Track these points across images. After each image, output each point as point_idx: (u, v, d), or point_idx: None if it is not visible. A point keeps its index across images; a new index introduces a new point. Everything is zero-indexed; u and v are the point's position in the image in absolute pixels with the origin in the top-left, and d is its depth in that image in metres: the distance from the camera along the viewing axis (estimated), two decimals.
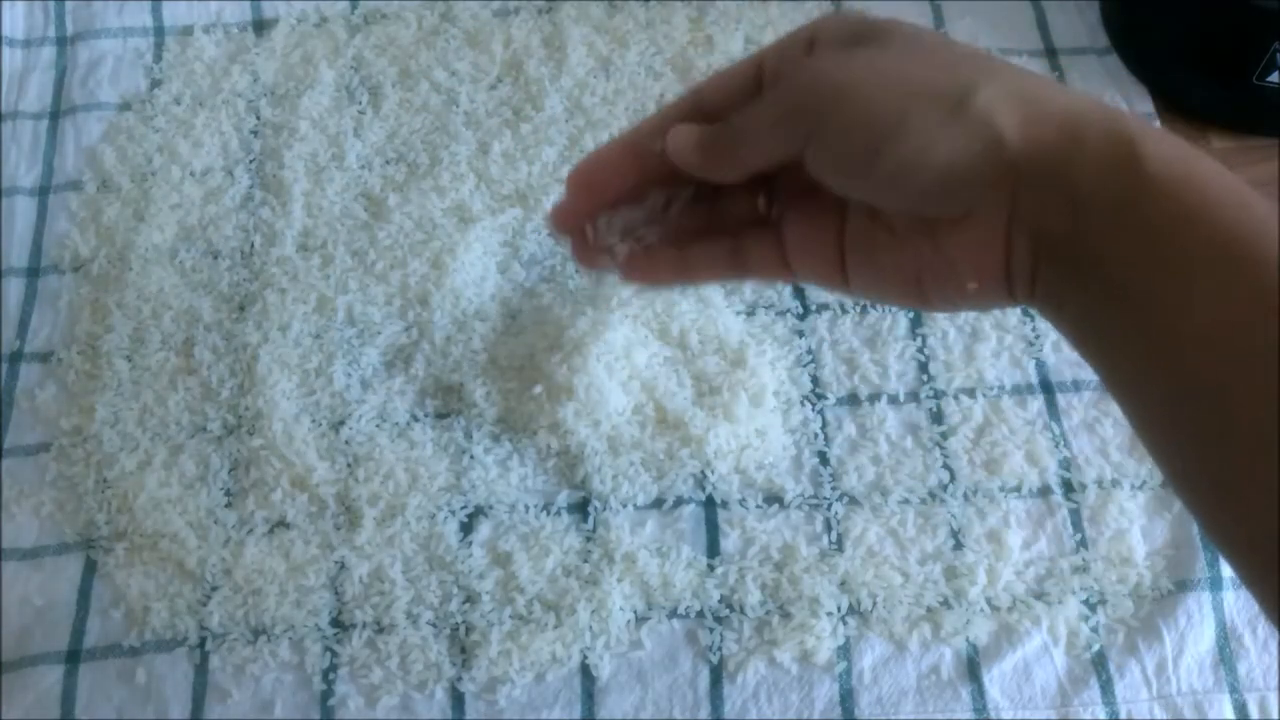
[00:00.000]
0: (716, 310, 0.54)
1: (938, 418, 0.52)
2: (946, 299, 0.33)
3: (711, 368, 0.52)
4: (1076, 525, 0.50)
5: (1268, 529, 0.26)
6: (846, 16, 0.34)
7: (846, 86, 0.30)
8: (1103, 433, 0.52)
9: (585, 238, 0.37)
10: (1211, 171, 0.28)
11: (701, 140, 0.34)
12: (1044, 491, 0.50)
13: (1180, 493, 0.30)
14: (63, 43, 0.66)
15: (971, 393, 0.53)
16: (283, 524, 0.50)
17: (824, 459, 0.51)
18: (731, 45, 0.64)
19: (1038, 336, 0.54)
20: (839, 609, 0.48)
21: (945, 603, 0.48)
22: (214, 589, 0.49)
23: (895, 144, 0.29)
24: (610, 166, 0.37)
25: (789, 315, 0.55)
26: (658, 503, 0.50)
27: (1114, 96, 0.62)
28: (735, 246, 0.37)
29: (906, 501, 0.50)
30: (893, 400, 0.53)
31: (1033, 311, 0.55)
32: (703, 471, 0.51)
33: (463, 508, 0.50)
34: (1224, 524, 0.28)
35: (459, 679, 0.47)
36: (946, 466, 0.51)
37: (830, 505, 0.50)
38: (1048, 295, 0.31)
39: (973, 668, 0.47)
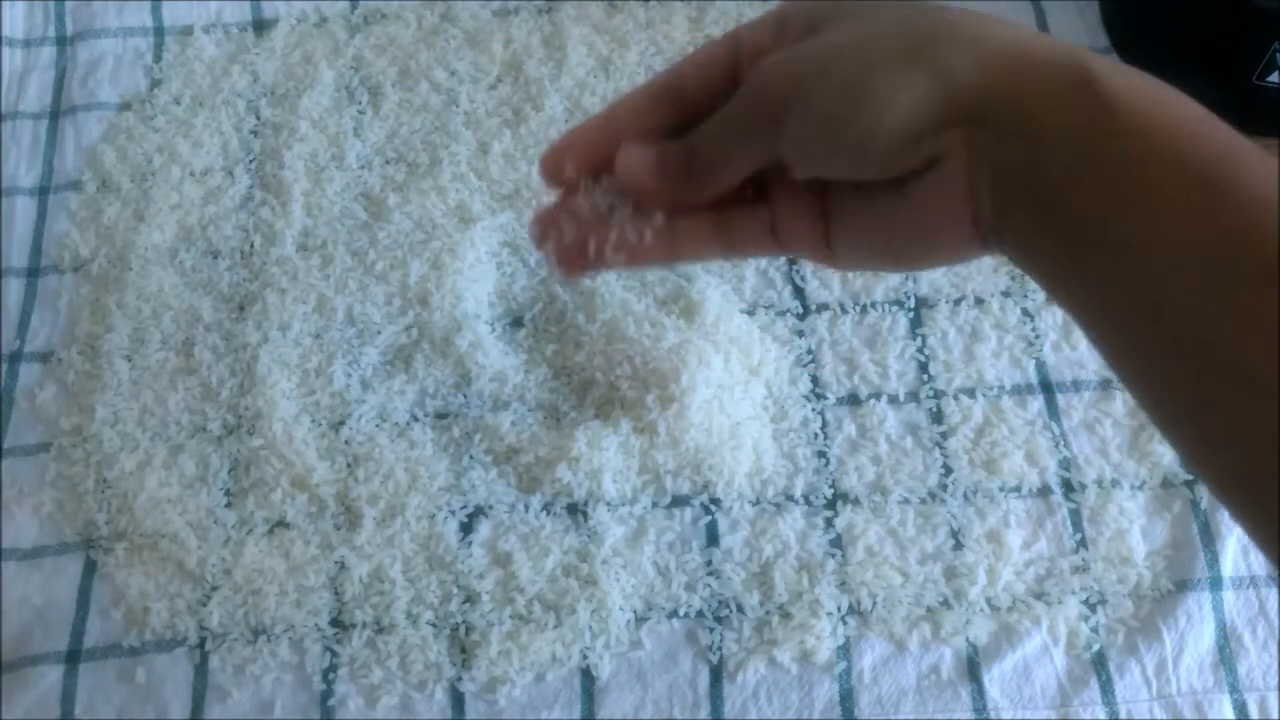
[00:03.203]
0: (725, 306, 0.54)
1: (938, 418, 0.52)
2: (917, 255, 0.33)
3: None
4: (1076, 525, 0.50)
5: (1264, 465, 0.25)
6: (806, 2, 0.34)
7: (806, 74, 0.30)
8: (1103, 433, 0.52)
9: (562, 240, 0.36)
10: (1170, 97, 0.27)
11: (662, 162, 0.33)
12: (1044, 491, 0.50)
13: (1168, 434, 0.29)
14: (63, 43, 0.66)
15: (971, 393, 0.53)
16: (283, 524, 0.50)
17: (824, 459, 0.51)
18: None
19: (1038, 336, 0.54)
20: (839, 609, 0.48)
21: (945, 603, 0.48)
22: (214, 589, 0.49)
23: (860, 110, 0.29)
24: (586, 146, 0.35)
25: (789, 315, 0.55)
26: (658, 502, 0.50)
27: None
28: (720, 222, 0.36)
29: (906, 501, 0.50)
30: (893, 400, 0.53)
31: (1033, 311, 0.55)
32: (703, 471, 0.51)
33: (462, 508, 0.50)
34: (1217, 463, 0.27)
35: (459, 679, 0.47)
36: (946, 466, 0.51)
37: (830, 505, 0.50)
38: (1016, 243, 0.30)
39: (973, 668, 0.47)
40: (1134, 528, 0.49)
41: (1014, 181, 0.29)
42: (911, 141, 0.29)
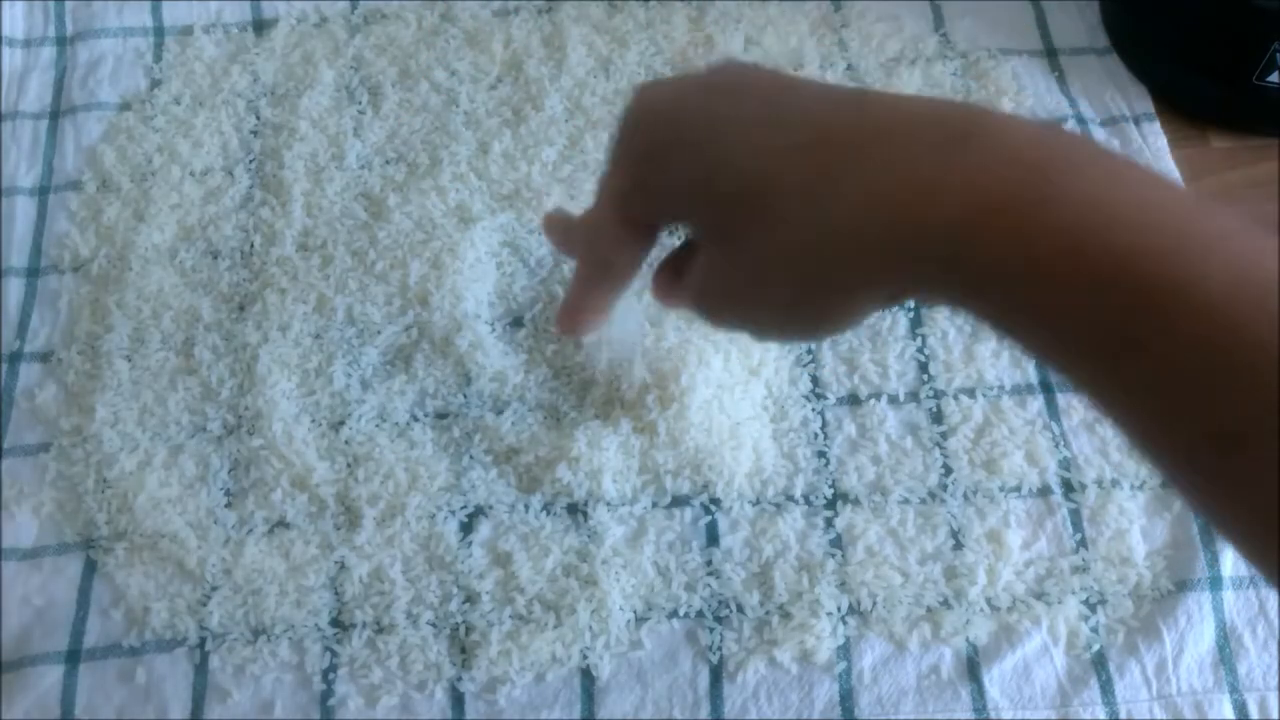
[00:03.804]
0: None
1: (938, 418, 0.52)
2: (811, 320, 0.34)
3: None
4: (1076, 525, 0.50)
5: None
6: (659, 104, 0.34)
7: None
8: (1103, 433, 0.52)
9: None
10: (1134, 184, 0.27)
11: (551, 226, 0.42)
12: (1044, 491, 0.50)
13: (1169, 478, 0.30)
14: (63, 43, 0.66)
15: (971, 393, 0.53)
16: (283, 524, 0.50)
17: (824, 459, 0.51)
18: (731, 45, 0.64)
19: None
20: (839, 609, 0.48)
21: (945, 603, 0.48)
22: (214, 589, 0.49)
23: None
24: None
25: None
26: (658, 502, 0.50)
27: (1114, 96, 0.62)
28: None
29: (906, 501, 0.50)
30: (893, 400, 0.53)
31: None
32: (703, 471, 0.51)
33: (462, 508, 0.50)
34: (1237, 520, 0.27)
35: (459, 679, 0.47)
36: (946, 466, 0.51)
37: (830, 505, 0.50)
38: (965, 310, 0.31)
39: (973, 668, 0.47)
40: (1134, 528, 0.49)
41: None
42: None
